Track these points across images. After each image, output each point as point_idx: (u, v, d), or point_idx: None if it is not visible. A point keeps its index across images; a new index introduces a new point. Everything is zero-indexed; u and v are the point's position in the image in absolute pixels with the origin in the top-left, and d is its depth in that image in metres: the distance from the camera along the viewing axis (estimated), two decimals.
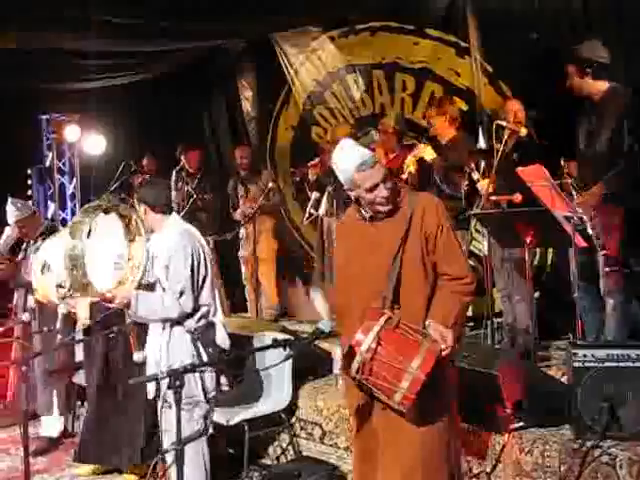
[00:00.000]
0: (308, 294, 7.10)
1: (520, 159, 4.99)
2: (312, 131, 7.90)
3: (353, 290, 3.22)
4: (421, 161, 5.74)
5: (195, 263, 3.92)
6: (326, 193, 6.51)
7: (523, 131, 5.11)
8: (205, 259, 4.00)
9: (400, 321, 3.00)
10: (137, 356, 3.96)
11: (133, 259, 3.80)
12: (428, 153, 5.64)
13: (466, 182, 5.38)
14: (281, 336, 4.82)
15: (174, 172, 7.73)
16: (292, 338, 4.49)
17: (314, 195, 6.53)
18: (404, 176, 5.77)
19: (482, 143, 5.82)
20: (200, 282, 3.96)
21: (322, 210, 6.54)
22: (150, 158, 8.37)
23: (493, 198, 5.03)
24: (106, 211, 3.81)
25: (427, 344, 2.94)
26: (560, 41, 5.51)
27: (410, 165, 5.71)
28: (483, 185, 5.20)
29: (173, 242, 3.95)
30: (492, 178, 5.03)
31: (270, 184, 6.83)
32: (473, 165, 5.38)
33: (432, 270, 3.17)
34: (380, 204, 3.16)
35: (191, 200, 7.32)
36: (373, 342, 2.91)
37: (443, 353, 2.98)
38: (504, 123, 5.11)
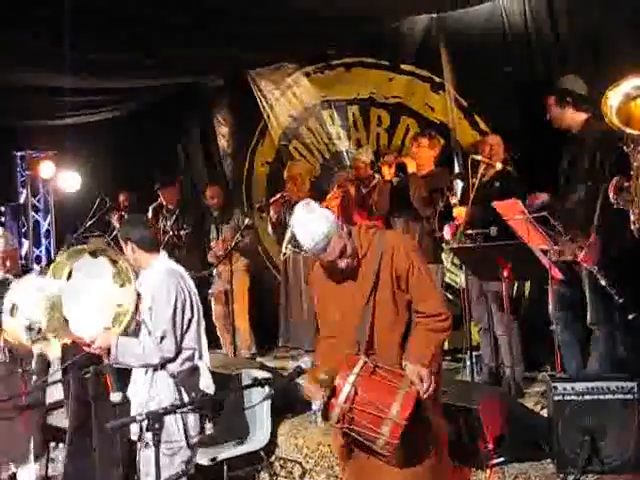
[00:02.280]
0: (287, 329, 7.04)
1: (500, 189, 5.02)
2: (287, 167, 7.72)
3: (333, 342, 3.20)
4: (397, 170, 5.84)
5: (179, 305, 3.81)
6: (288, 235, 6.50)
7: (498, 166, 5.14)
8: (192, 301, 3.89)
9: (377, 366, 3.00)
10: (115, 397, 3.92)
11: (122, 305, 3.74)
12: (411, 165, 5.73)
13: (441, 203, 5.41)
14: (261, 374, 4.77)
15: (151, 208, 7.69)
16: (271, 376, 4.38)
17: (289, 232, 6.41)
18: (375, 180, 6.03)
19: (459, 180, 5.81)
20: (185, 325, 3.84)
21: (288, 250, 6.57)
22: (126, 194, 8.36)
23: (469, 232, 5.01)
24: (93, 254, 3.76)
25: (405, 388, 2.94)
26: (533, 74, 5.59)
27: (386, 171, 5.85)
28: (459, 213, 5.18)
29: (157, 282, 3.85)
30: (467, 211, 5.02)
31: (246, 221, 6.77)
32: (450, 186, 5.46)
33: (406, 309, 3.16)
34: (344, 262, 3.14)
35: (167, 237, 7.26)
36: (351, 391, 2.91)
37: (423, 394, 2.97)
38: (479, 157, 5.15)
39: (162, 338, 3.76)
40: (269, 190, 7.98)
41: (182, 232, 7.52)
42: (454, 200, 5.33)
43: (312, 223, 3.08)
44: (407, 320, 3.16)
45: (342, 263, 3.11)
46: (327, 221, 3.07)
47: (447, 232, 5.36)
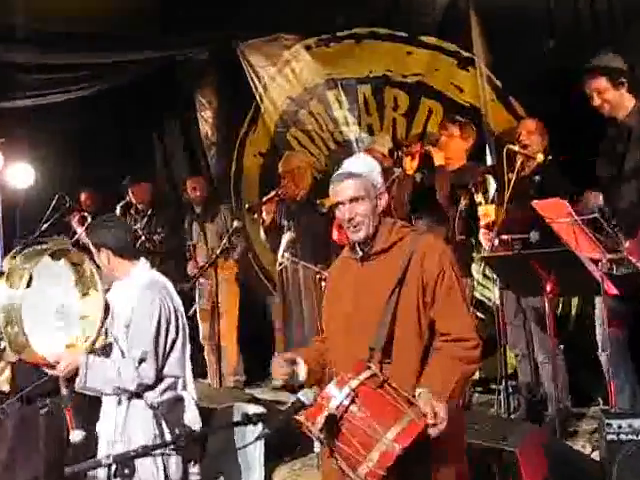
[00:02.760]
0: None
1: (542, 186, 5.07)
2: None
3: (340, 342, 3.24)
4: (421, 163, 5.89)
5: (163, 322, 3.83)
6: (284, 240, 6.52)
7: (539, 157, 5.15)
8: (177, 318, 3.92)
9: (387, 381, 2.98)
10: (75, 436, 3.85)
11: (87, 317, 3.75)
12: (438, 157, 5.76)
13: (465, 201, 5.45)
14: (253, 409, 4.77)
15: (118, 208, 7.71)
16: (266, 412, 4.43)
17: (288, 236, 6.49)
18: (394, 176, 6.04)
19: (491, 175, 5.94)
20: (168, 347, 3.87)
21: (285, 259, 6.57)
22: (89, 192, 8.38)
23: (504, 237, 5.01)
24: (54, 256, 3.74)
25: (412, 415, 2.89)
26: (582, 50, 5.50)
27: (409, 164, 5.85)
28: (486, 212, 5.26)
29: (138, 294, 3.86)
30: (503, 212, 5.01)
31: (235, 223, 6.75)
32: (480, 180, 5.47)
33: (428, 328, 3.16)
34: (352, 228, 3.25)
35: (139, 242, 7.26)
36: (347, 399, 2.88)
37: (430, 432, 2.91)
38: (516, 148, 5.14)
39: (141, 360, 3.74)
40: (262, 187, 7.95)
41: (156, 236, 7.56)
42: (479, 198, 5.37)
43: (363, 156, 3.40)
44: (427, 343, 3.14)
45: (353, 211, 3.21)
46: (379, 174, 3.33)
47: (484, 237, 5.39)
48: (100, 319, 3.75)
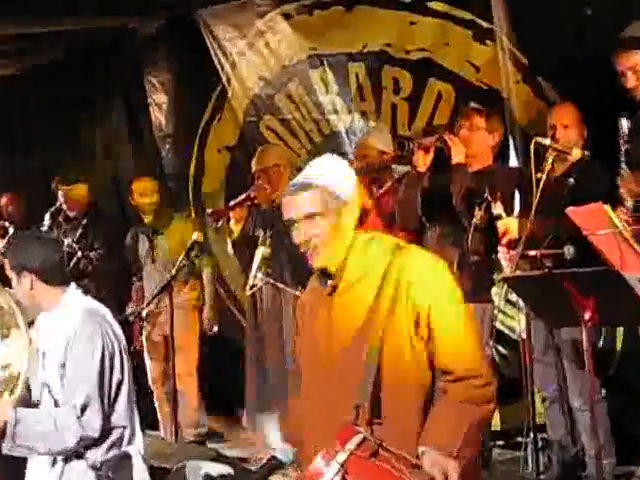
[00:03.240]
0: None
1: (578, 189, 5.05)
2: (256, 152, 7.73)
3: (317, 399, 3.22)
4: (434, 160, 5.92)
5: (107, 361, 3.82)
6: (258, 256, 6.41)
7: (575, 153, 5.12)
8: (122, 356, 3.92)
9: (381, 445, 2.96)
10: None
11: (9, 365, 3.71)
12: (457, 151, 5.70)
13: (480, 214, 5.44)
14: (216, 469, 4.70)
15: (48, 215, 7.66)
16: (232, 472, 4.54)
17: (262, 251, 6.36)
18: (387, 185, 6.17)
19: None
20: (114, 390, 3.85)
21: (258, 280, 6.46)
22: (11, 195, 8.29)
23: (532, 253, 4.94)
24: None
25: None
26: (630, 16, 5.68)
27: (421, 159, 5.75)
28: (507, 226, 5.19)
29: (73, 328, 3.83)
30: (527, 226, 4.96)
31: (194, 236, 6.59)
32: (499, 193, 5.37)
33: (428, 369, 3.15)
34: (309, 253, 3.22)
35: (72, 261, 7.24)
36: (336, 476, 2.88)
37: None
38: (547, 141, 5.12)
39: (84, 408, 3.70)
40: (229, 189, 7.97)
41: (93, 253, 7.50)
42: (498, 209, 5.27)
43: (340, 163, 3.35)
44: (430, 385, 3.13)
45: (307, 232, 3.16)
46: (347, 181, 3.29)
47: (504, 258, 5.35)
48: (25, 363, 3.69)
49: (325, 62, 7.37)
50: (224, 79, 7.99)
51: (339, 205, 3.20)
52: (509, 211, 5.43)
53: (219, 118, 8.20)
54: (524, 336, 5.33)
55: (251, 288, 6.52)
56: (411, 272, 3.15)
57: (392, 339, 3.09)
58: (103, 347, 3.76)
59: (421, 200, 5.88)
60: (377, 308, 3.12)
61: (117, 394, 3.83)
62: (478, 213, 5.49)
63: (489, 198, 5.39)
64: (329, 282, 3.26)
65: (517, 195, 5.57)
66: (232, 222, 6.87)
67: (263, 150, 7.13)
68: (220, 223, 7.02)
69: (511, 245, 5.30)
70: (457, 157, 5.73)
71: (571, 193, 5.09)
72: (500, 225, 5.24)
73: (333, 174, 3.25)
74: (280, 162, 6.87)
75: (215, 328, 7.68)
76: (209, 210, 7.27)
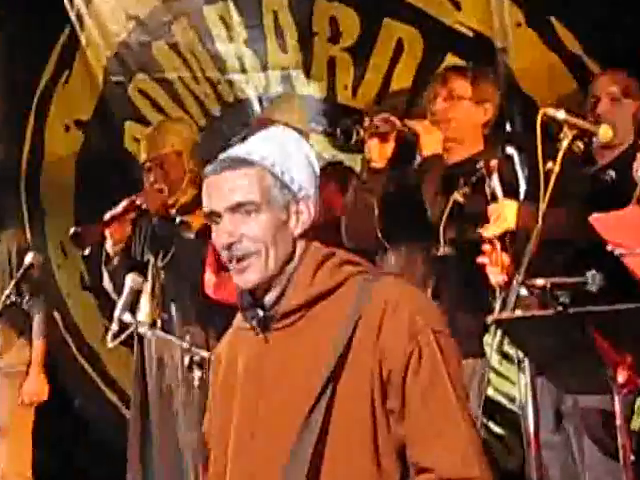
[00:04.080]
0: None
1: (608, 187, 5.15)
2: (125, 133, 7.90)
3: (236, 471, 3.21)
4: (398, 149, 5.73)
5: None
6: (126, 287, 6.17)
7: (605, 133, 5.20)
8: None
9: None
10: None
11: None
12: (430, 139, 5.75)
13: (463, 190, 5.59)
14: None
15: None
16: None
17: (129, 281, 6.19)
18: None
19: (517, 162, 5.69)
20: None
21: (142, 315, 6.17)
22: None
23: (539, 282, 4.78)
24: None
25: None
26: None
27: (375, 150, 5.82)
28: (501, 210, 5.36)
29: None
30: (536, 235, 4.89)
31: (28, 257, 6.68)
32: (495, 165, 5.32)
33: (396, 456, 3.11)
34: (235, 264, 3.18)
35: None
36: None
37: None
38: (561, 114, 5.05)
39: None
40: (83, 190, 8.07)
41: None
42: (493, 185, 5.32)
43: (298, 139, 3.36)
44: (396, 476, 3.07)
45: (242, 269, 3.20)
46: (305, 162, 3.27)
47: (492, 266, 5.25)
48: None
49: None
50: (73, 19, 7.83)
51: (287, 198, 3.16)
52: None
53: (66, 79, 8.06)
54: (526, 404, 5.21)
55: (114, 338, 6.21)
56: (379, 306, 3.12)
57: (344, 406, 3.09)
58: None
59: (379, 209, 5.87)
60: (325, 356, 3.11)
61: None
62: (460, 190, 5.56)
63: (482, 171, 5.40)
64: (259, 315, 3.20)
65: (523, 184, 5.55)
66: (108, 243, 6.76)
67: (157, 128, 7.13)
68: (89, 249, 6.91)
69: (504, 243, 5.31)
70: (430, 147, 5.71)
71: (598, 192, 5.19)
72: (492, 209, 5.28)
73: (284, 152, 3.19)
74: (181, 147, 6.96)
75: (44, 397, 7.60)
76: (73, 229, 6.82)
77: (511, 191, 5.43)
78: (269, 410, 3.19)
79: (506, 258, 5.18)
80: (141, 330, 6.16)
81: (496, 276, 5.21)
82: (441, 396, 3.08)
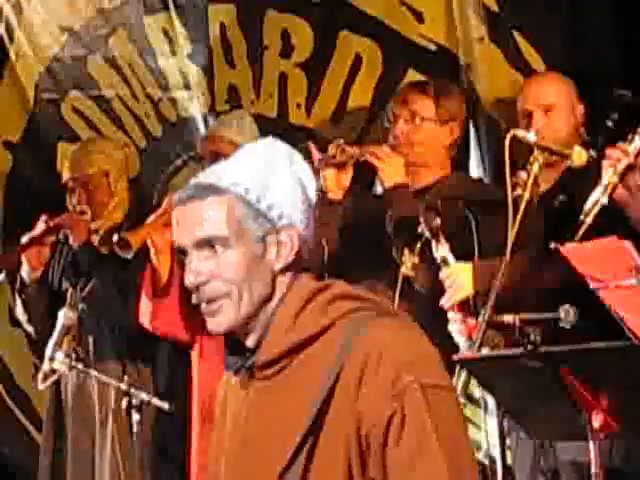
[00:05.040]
0: None
1: (572, 213, 4.82)
2: (57, 152, 7.65)
3: None
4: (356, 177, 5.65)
5: None
6: (58, 325, 5.91)
7: (579, 156, 5.04)
8: None
9: None
10: None
11: None
12: (392, 170, 5.63)
13: (412, 260, 5.42)
14: None
15: None
16: None
17: (62, 317, 5.96)
18: None
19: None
20: None
21: (58, 364, 5.88)
22: None
23: (507, 319, 4.78)
24: None
25: None
26: None
27: (332, 180, 5.80)
28: (455, 276, 5.22)
29: None
30: (503, 268, 4.80)
31: None
32: (435, 218, 5.23)
33: None
34: (205, 307, 3.01)
35: None
36: None
37: None
38: (532, 136, 5.00)
39: None
40: (11, 213, 7.81)
41: None
42: (441, 249, 5.20)
43: (288, 154, 3.17)
44: None
45: (211, 312, 3.03)
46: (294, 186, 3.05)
47: (456, 326, 5.15)
48: None
49: (171, 2, 7.19)
50: (1, 30, 7.55)
51: (264, 229, 2.96)
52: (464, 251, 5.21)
53: None
54: (496, 455, 5.14)
55: (45, 378, 6.11)
56: (366, 370, 2.93)
57: (321, 460, 2.96)
58: None
59: (335, 243, 5.76)
60: (303, 410, 2.96)
61: None
62: (408, 257, 5.39)
63: (426, 232, 5.24)
64: (238, 363, 3.10)
65: (474, 224, 5.40)
66: (24, 269, 6.63)
67: (82, 147, 6.97)
68: (3, 274, 6.76)
69: (464, 308, 5.22)
70: (392, 178, 5.61)
71: (564, 221, 4.89)
72: (445, 275, 5.18)
73: (264, 173, 3.01)
74: (109, 167, 6.80)
75: None
76: None
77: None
78: (249, 467, 3.10)
79: (472, 320, 5.07)
80: (60, 367, 5.97)
81: (459, 335, 5.17)
82: (428, 468, 2.86)
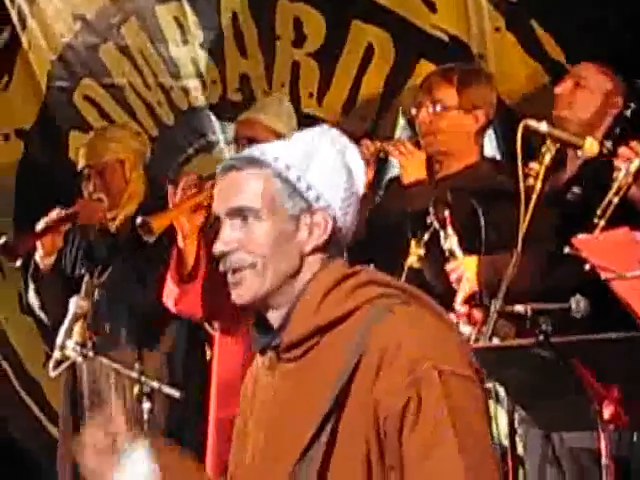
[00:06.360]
0: None
1: (584, 206, 4.96)
2: (69, 143, 7.78)
3: None
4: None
5: None
6: (70, 312, 6.03)
7: (590, 146, 5.14)
8: None
9: None
10: None
11: None
12: (414, 165, 5.75)
13: (418, 252, 5.53)
14: None
15: None
16: None
17: (74, 304, 6.08)
18: None
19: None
20: None
21: (70, 351, 6.00)
22: None
23: (519, 309, 4.91)
24: None
25: None
26: None
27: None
28: (460, 270, 5.34)
29: None
30: (515, 261, 4.90)
31: None
32: (448, 214, 5.32)
33: None
34: (230, 277, 3.07)
35: None
36: None
37: None
38: (543, 126, 5.08)
39: None
40: (23, 202, 7.97)
41: None
42: (449, 241, 5.33)
43: (336, 139, 3.19)
44: None
45: (236, 283, 3.09)
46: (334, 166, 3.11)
47: (462, 314, 5.20)
48: None
49: None
50: (14, 19, 7.72)
51: (299, 207, 3.03)
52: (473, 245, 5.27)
53: (5, 85, 7.94)
54: (506, 443, 5.18)
55: (57, 366, 6.24)
56: (384, 359, 2.96)
57: (342, 449, 2.99)
58: None
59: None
60: (324, 390, 3.02)
61: None
62: (415, 249, 5.51)
63: (434, 222, 5.36)
64: (260, 342, 3.15)
65: (482, 218, 5.47)
66: (38, 255, 6.70)
67: (98, 135, 7.05)
68: (18, 261, 6.85)
69: (470, 301, 5.30)
70: (413, 174, 5.74)
71: (577, 213, 5.07)
72: (450, 269, 5.31)
73: (309, 153, 3.07)
74: (125, 155, 6.90)
75: None
76: (2, 240, 6.83)
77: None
78: (272, 452, 3.19)
79: (478, 314, 5.15)
80: (71, 354, 6.03)
81: (467, 326, 5.23)
82: (445, 456, 2.89)
